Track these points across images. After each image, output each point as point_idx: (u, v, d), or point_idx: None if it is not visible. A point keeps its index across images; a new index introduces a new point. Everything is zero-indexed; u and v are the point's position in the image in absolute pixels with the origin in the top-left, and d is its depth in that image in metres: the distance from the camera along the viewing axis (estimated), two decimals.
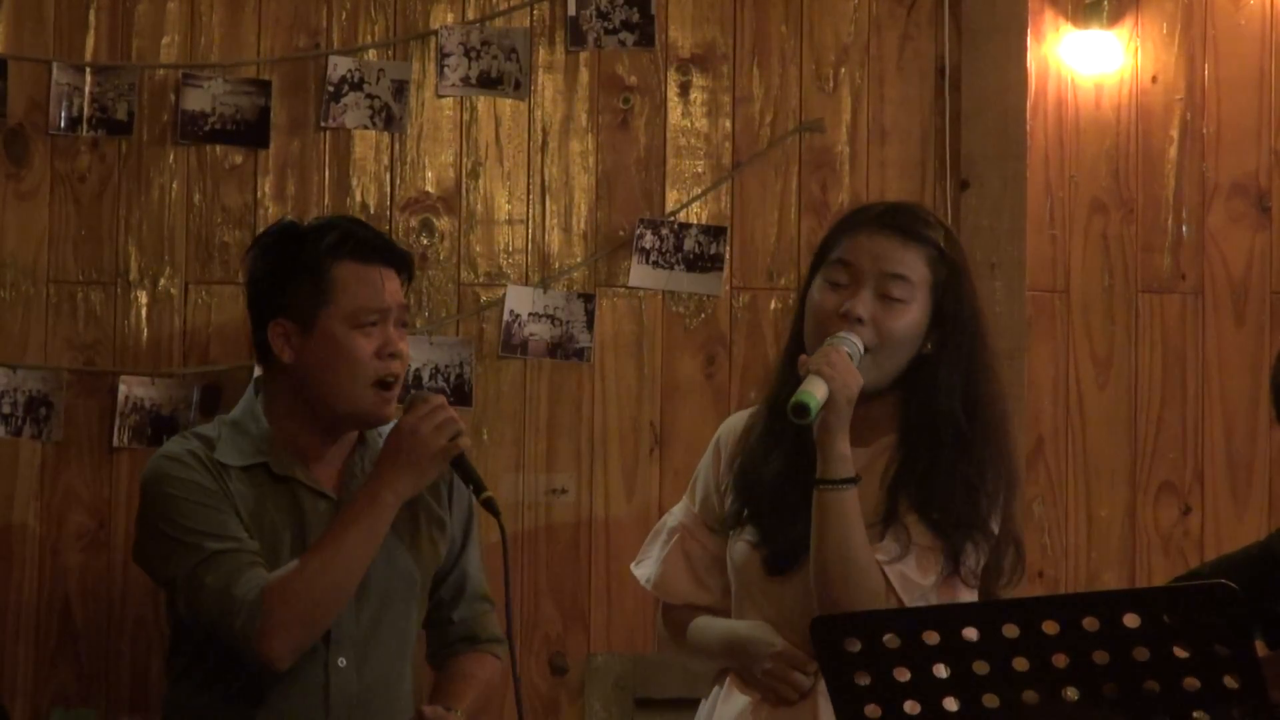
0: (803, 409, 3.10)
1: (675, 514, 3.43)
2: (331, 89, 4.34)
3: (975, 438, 3.24)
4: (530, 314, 4.37)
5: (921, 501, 3.21)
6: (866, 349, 3.20)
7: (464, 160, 4.39)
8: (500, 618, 3.73)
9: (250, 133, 4.32)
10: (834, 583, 3.15)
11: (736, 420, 3.42)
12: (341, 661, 3.57)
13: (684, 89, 4.44)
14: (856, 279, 3.24)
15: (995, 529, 3.24)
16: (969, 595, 3.23)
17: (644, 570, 3.42)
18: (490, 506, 3.45)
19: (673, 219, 4.42)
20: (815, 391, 3.11)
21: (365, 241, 3.64)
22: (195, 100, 4.30)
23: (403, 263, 3.68)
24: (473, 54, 4.39)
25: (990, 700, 2.38)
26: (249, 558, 3.51)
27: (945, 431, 3.23)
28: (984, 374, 3.28)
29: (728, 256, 4.41)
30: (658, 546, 3.42)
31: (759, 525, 3.27)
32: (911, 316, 3.24)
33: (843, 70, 4.47)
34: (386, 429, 3.65)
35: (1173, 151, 4.56)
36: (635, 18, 4.41)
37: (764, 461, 3.29)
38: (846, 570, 3.15)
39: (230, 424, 3.67)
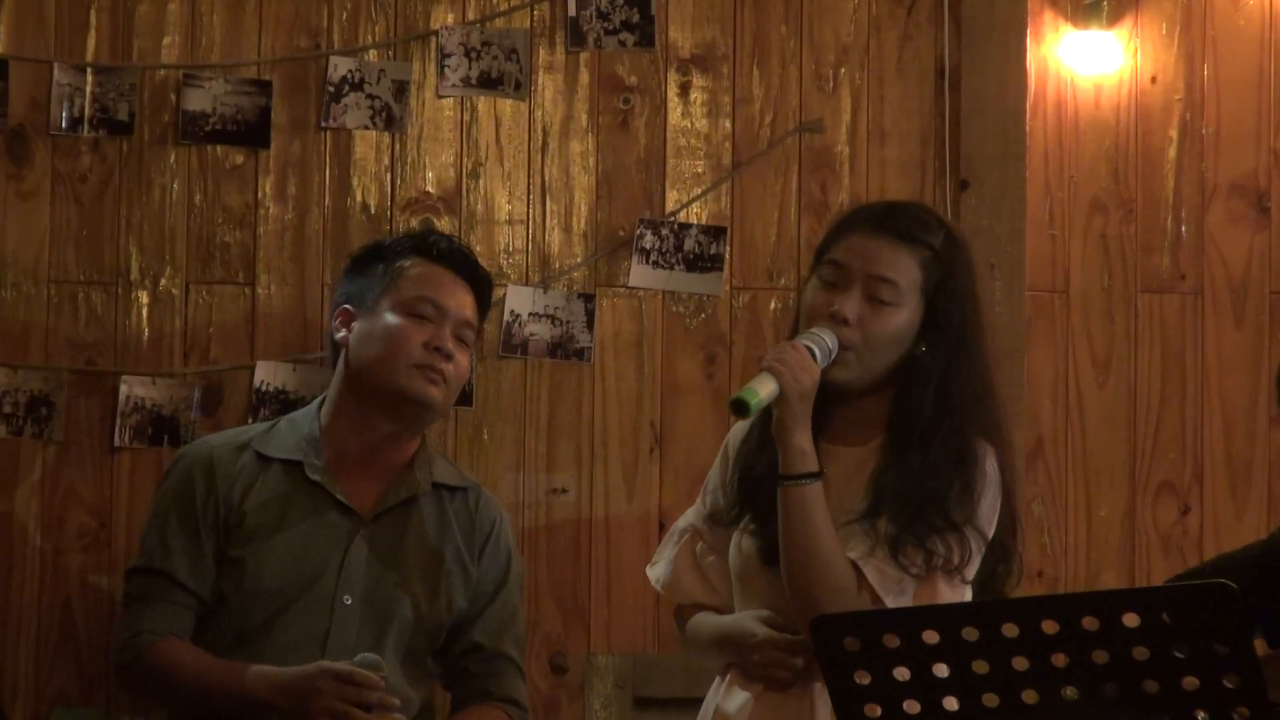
0: (741, 406, 3.14)
1: (688, 515, 3.46)
2: (332, 89, 4.34)
3: (940, 436, 3.24)
4: (530, 314, 4.37)
5: (895, 498, 3.22)
6: (847, 347, 3.22)
7: (464, 160, 4.39)
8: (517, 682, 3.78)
9: (251, 133, 4.33)
10: (800, 578, 3.17)
11: (744, 424, 3.44)
12: None
13: (684, 89, 4.45)
14: (847, 279, 3.26)
15: (974, 529, 3.23)
16: (953, 594, 3.23)
17: (655, 571, 3.46)
18: None
19: (673, 219, 4.42)
20: (759, 389, 3.15)
21: (443, 247, 3.74)
22: (196, 100, 4.31)
23: (478, 281, 3.75)
24: (473, 54, 4.39)
25: (990, 700, 2.38)
26: (169, 592, 3.63)
27: (920, 430, 3.24)
28: (963, 373, 3.27)
29: (728, 256, 4.41)
30: (669, 548, 3.45)
31: (756, 517, 3.29)
32: (898, 319, 3.25)
33: (842, 70, 4.47)
34: (444, 472, 3.74)
35: (1172, 152, 4.57)
36: (635, 18, 4.42)
37: (759, 455, 3.32)
38: (811, 565, 3.16)
39: (289, 419, 3.76)
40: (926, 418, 3.24)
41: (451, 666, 3.75)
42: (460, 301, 3.70)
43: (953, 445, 3.24)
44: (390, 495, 3.68)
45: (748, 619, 3.29)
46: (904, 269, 3.26)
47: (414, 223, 4.36)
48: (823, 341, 3.21)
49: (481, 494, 3.80)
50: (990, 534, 3.25)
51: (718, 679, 3.38)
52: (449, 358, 3.64)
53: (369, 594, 3.62)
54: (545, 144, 4.41)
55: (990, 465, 3.27)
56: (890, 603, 3.17)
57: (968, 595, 3.25)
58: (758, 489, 3.30)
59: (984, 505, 3.25)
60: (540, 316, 4.37)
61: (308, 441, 3.68)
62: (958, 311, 3.28)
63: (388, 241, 3.83)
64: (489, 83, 4.39)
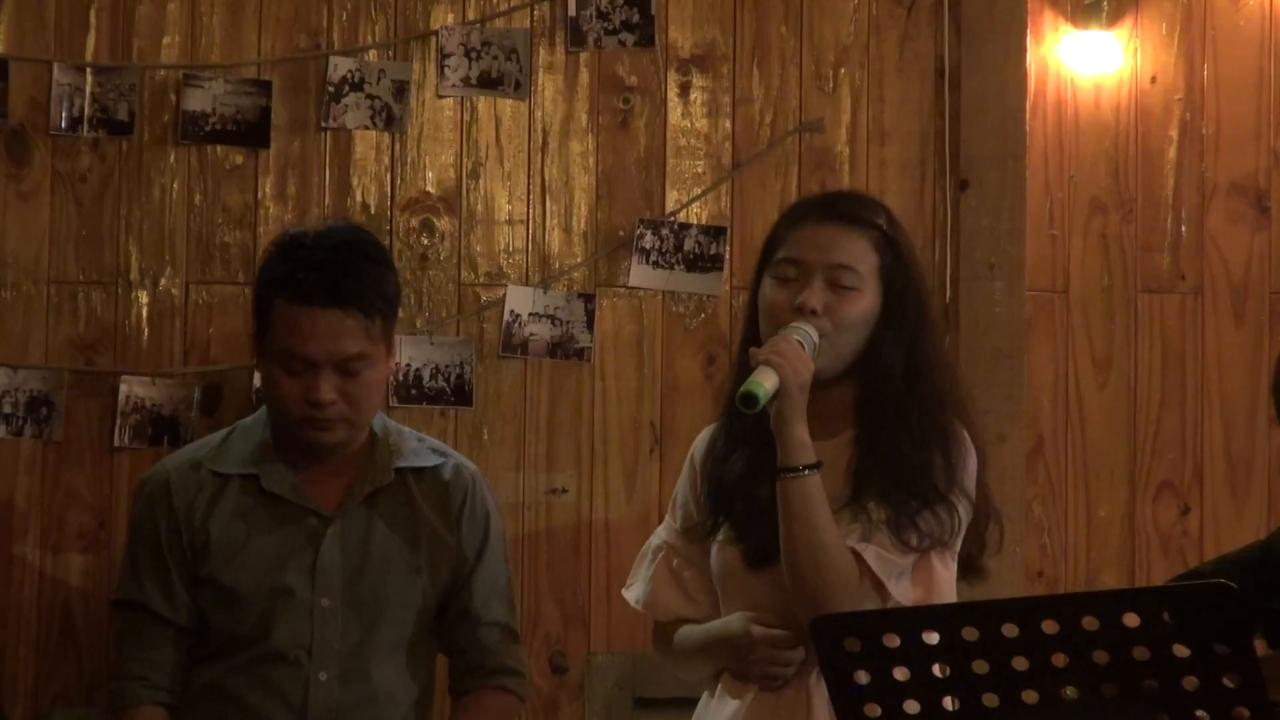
0: (750, 399, 3.12)
1: (659, 533, 3.44)
2: (332, 89, 4.34)
3: (917, 411, 3.25)
4: (530, 314, 4.37)
5: (878, 480, 3.23)
6: (822, 336, 3.23)
7: (464, 160, 4.39)
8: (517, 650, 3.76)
9: (251, 133, 4.33)
10: (804, 569, 3.16)
11: (706, 434, 3.44)
12: (322, 675, 3.58)
13: (684, 89, 4.45)
14: (806, 272, 3.26)
15: (958, 498, 3.24)
16: (946, 569, 3.24)
17: (633, 592, 3.43)
18: None
19: (673, 219, 4.42)
20: (764, 381, 3.14)
21: (305, 282, 3.52)
22: (196, 100, 4.31)
23: (357, 301, 3.52)
24: (473, 54, 4.39)
25: (990, 700, 2.38)
26: (149, 626, 3.63)
27: (890, 409, 3.25)
28: (925, 349, 3.30)
29: (728, 256, 4.41)
30: (644, 567, 3.43)
31: (734, 523, 3.29)
32: (863, 303, 3.26)
33: (842, 70, 4.48)
34: (410, 454, 3.70)
35: (1172, 152, 4.57)
36: (635, 18, 4.42)
37: (729, 461, 3.32)
38: (816, 556, 3.16)
39: (241, 428, 3.71)
40: (900, 398, 3.25)
41: (445, 636, 3.73)
42: (330, 340, 3.51)
43: (930, 421, 3.26)
44: (355, 491, 3.64)
45: (738, 620, 3.28)
46: (860, 253, 3.27)
47: (414, 223, 4.36)
48: (807, 335, 3.22)
49: (451, 463, 3.73)
50: (973, 498, 3.27)
51: (705, 694, 3.35)
52: (320, 405, 3.52)
53: (349, 594, 3.60)
54: (545, 144, 4.41)
55: (963, 434, 3.29)
56: (891, 586, 3.17)
57: (954, 568, 3.26)
58: (733, 496, 3.30)
59: (966, 472, 3.26)
60: (540, 316, 4.37)
61: (261, 450, 3.64)
62: (913, 288, 3.30)
63: (268, 260, 3.61)
64: (489, 83, 4.39)
